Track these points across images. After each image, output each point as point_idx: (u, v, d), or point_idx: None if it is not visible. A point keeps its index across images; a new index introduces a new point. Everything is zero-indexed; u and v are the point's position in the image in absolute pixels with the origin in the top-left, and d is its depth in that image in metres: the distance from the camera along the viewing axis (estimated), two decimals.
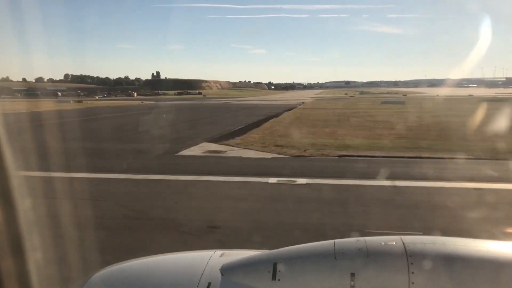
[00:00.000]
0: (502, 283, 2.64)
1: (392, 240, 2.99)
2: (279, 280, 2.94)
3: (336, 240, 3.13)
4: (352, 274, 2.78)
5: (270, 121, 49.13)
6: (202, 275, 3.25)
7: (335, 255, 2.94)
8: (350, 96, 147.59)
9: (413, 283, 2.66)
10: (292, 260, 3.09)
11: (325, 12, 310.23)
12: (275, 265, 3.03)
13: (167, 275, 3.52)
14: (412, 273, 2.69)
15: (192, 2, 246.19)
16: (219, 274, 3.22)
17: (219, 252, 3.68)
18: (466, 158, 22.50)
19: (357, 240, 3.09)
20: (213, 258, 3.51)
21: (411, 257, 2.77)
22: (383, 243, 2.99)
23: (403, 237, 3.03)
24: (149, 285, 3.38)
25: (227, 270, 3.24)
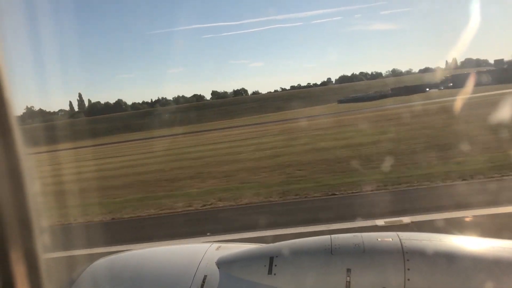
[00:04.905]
0: (497, 279, 2.67)
1: (389, 236, 3.02)
2: (275, 274, 2.95)
3: (333, 235, 3.15)
4: (348, 270, 2.80)
5: None
6: (198, 267, 3.25)
7: (331, 250, 2.96)
8: None
9: (408, 279, 2.68)
10: (289, 254, 3.10)
11: (318, 17, 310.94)
12: (271, 259, 3.04)
13: (164, 267, 3.51)
14: (408, 269, 2.71)
15: (186, 24, 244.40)
16: (215, 267, 3.22)
17: (215, 244, 3.68)
18: None
19: (354, 235, 3.11)
20: (210, 251, 3.52)
21: (407, 253, 2.79)
22: (379, 239, 3.01)
23: (400, 233, 3.05)
24: (145, 276, 3.38)
25: (223, 263, 3.25)
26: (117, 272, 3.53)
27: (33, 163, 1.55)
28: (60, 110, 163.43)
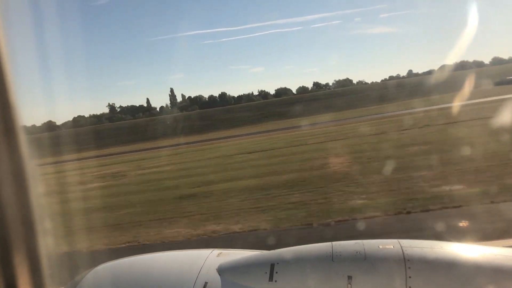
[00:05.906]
0: (498, 287, 2.64)
1: (390, 244, 3.00)
2: (275, 281, 2.95)
3: (334, 242, 3.14)
4: (349, 277, 2.79)
5: None
6: (198, 274, 3.25)
7: (332, 257, 2.95)
8: None
9: (410, 287, 2.67)
10: (289, 261, 3.10)
11: (317, 21, 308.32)
12: (272, 266, 3.03)
13: (165, 273, 3.50)
14: (410, 277, 2.70)
15: (186, 31, 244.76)
16: (216, 274, 3.22)
17: (216, 251, 3.68)
18: None
19: (355, 242, 3.09)
20: (210, 258, 3.51)
21: (408, 261, 2.77)
22: (380, 247, 2.99)
23: (401, 240, 3.03)
24: (146, 282, 3.38)
25: (224, 270, 3.25)
26: (118, 278, 3.52)
27: (37, 167, 1.57)
28: (140, 106, 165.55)
